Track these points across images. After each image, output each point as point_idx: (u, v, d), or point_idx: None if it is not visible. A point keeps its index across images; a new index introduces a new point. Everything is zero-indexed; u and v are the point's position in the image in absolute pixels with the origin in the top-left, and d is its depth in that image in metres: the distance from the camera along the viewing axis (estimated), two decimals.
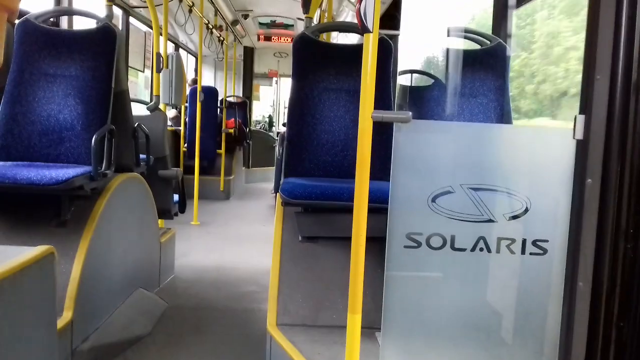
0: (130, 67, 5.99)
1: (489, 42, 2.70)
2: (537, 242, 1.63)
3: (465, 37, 2.77)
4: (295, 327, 2.12)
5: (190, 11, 6.27)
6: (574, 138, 1.56)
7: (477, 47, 2.76)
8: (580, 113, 1.54)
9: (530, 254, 1.63)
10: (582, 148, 1.55)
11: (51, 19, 3.11)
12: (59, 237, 2.34)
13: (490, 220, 1.62)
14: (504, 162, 1.69)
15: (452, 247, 1.62)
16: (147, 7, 4.52)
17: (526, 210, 1.62)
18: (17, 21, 2.79)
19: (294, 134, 2.65)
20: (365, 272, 1.56)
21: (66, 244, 2.30)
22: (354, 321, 1.55)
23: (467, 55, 2.70)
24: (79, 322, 2.18)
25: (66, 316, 2.11)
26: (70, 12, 4.09)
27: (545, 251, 1.63)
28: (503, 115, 2.59)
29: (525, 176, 1.67)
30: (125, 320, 2.66)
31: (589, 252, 1.52)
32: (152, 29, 4.69)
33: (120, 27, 5.61)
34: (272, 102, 12.19)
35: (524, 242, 1.63)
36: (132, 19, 5.99)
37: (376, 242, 1.69)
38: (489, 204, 1.62)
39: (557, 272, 1.61)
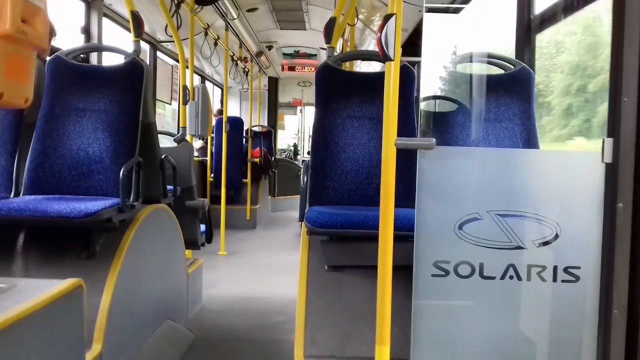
0: (158, 99, 6.12)
1: (512, 67, 2.69)
2: (569, 269, 1.59)
3: (489, 62, 2.76)
4: (323, 359, 2.09)
5: (215, 44, 6.41)
6: (602, 161, 1.53)
7: (501, 71, 2.75)
8: (608, 136, 1.52)
9: (562, 281, 1.59)
10: (611, 171, 1.52)
11: (81, 56, 3.20)
12: (88, 268, 2.36)
13: (520, 247, 1.59)
14: (532, 187, 1.66)
15: (481, 275, 1.59)
16: (174, 41, 4.63)
17: (556, 236, 1.59)
18: (48, 58, 2.88)
19: (318, 162, 2.65)
20: (393, 302, 1.54)
21: (95, 276, 2.33)
22: (382, 353, 1.52)
23: (491, 80, 2.69)
24: (107, 355, 2.18)
25: (95, 349, 2.12)
26: (100, 49, 4.21)
27: (577, 278, 1.58)
28: (530, 140, 2.56)
29: (554, 201, 1.64)
30: (154, 353, 2.66)
31: (622, 279, 1.48)
32: (178, 62, 4.80)
33: (147, 61, 5.75)
34: (297, 130, 12.29)
35: (555, 269, 1.59)
36: (159, 53, 6.15)
37: (403, 271, 1.66)
38: (518, 230, 1.59)
39: (591, 300, 1.57)
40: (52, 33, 3.02)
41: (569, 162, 1.66)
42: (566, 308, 1.61)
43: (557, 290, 1.60)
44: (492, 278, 1.59)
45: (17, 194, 2.73)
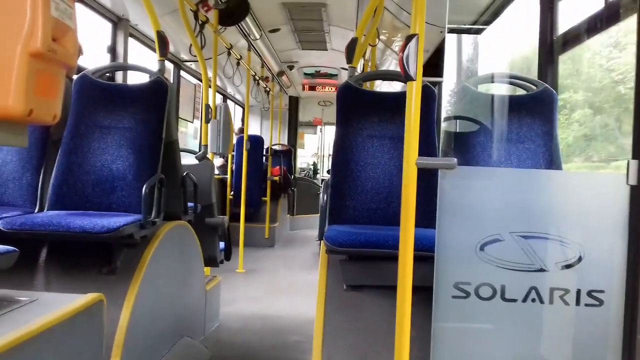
0: (181, 117, 6.20)
1: (535, 87, 2.68)
2: (593, 293, 1.56)
3: (511, 83, 2.75)
4: None
5: (238, 64, 6.49)
6: (627, 184, 1.51)
7: (523, 92, 2.73)
8: (633, 158, 1.50)
9: (586, 305, 1.56)
10: (636, 194, 1.49)
11: (107, 74, 3.26)
12: (108, 284, 2.38)
13: (542, 270, 1.57)
14: (555, 208, 1.64)
15: (503, 298, 1.57)
16: (198, 61, 4.70)
17: (580, 259, 1.57)
18: (75, 76, 2.94)
19: (338, 181, 2.65)
20: (412, 323, 1.52)
21: (115, 291, 2.34)
22: None
23: (513, 100, 2.68)
24: None
25: None
26: (125, 68, 4.29)
27: (601, 302, 1.55)
28: (552, 161, 2.53)
29: (578, 223, 1.62)
30: None
31: None
32: (201, 81, 4.86)
33: (171, 80, 5.85)
34: (317, 149, 12.32)
35: (578, 292, 1.56)
36: (182, 73, 6.24)
37: (423, 292, 1.65)
38: (540, 252, 1.57)
39: (615, 325, 1.53)
40: (79, 52, 3.09)
41: (592, 183, 1.64)
42: (589, 332, 1.58)
43: (580, 314, 1.57)
44: (514, 301, 1.57)
45: (41, 209, 2.78)
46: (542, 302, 1.56)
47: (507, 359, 1.62)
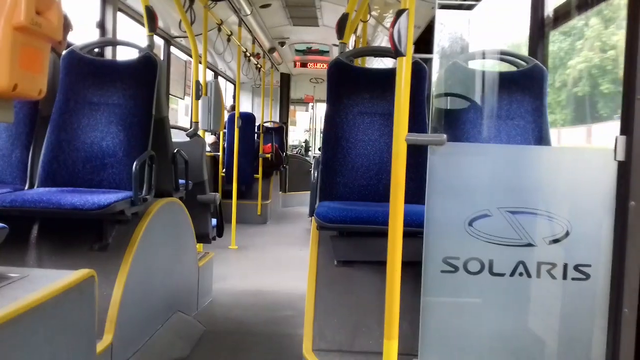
0: (171, 94, 6.15)
1: (525, 64, 2.67)
2: (579, 267, 1.58)
3: (501, 59, 2.75)
4: (331, 353, 2.10)
5: (228, 40, 6.42)
6: (615, 159, 1.52)
7: (514, 69, 2.73)
8: (621, 134, 1.51)
9: (572, 279, 1.58)
10: (624, 169, 1.51)
11: (96, 50, 3.22)
12: (100, 260, 2.39)
13: (530, 245, 1.59)
14: (543, 184, 1.65)
15: (491, 272, 1.59)
16: (188, 37, 4.65)
17: (567, 233, 1.58)
18: (63, 52, 2.91)
19: (328, 158, 2.66)
20: (402, 297, 1.54)
21: (107, 268, 2.35)
22: (390, 347, 1.53)
23: (504, 77, 2.68)
24: (118, 346, 2.21)
25: (106, 339, 2.14)
26: (114, 43, 4.24)
27: (587, 276, 1.58)
28: (541, 137, 2.54)
29: (566, 199, 1.63)
30: (164, 344, 2.68)
31: (633, 277, 1.47)
32: (192, 57, 4.82)
33: (161, 57, 5.78)
34: (308, 126, 12.30)
35: (565, 266, 1.58)
36: (173, 49, 6.17)
37: (412, 267, 1.67)
38: (528, 227, 1.59)
39: (601, 298, 1.56)
40: (68, 27, 3.05)
41: (580, 159, 1.65)
42: (576, 306, 1.61)
43: (567, 288, 1.59)
44: (502, 275, 1.59)
45: (31, 186, 2.77)
46: (529, 276, 1.59)
47: (494, 332, 1.65)
